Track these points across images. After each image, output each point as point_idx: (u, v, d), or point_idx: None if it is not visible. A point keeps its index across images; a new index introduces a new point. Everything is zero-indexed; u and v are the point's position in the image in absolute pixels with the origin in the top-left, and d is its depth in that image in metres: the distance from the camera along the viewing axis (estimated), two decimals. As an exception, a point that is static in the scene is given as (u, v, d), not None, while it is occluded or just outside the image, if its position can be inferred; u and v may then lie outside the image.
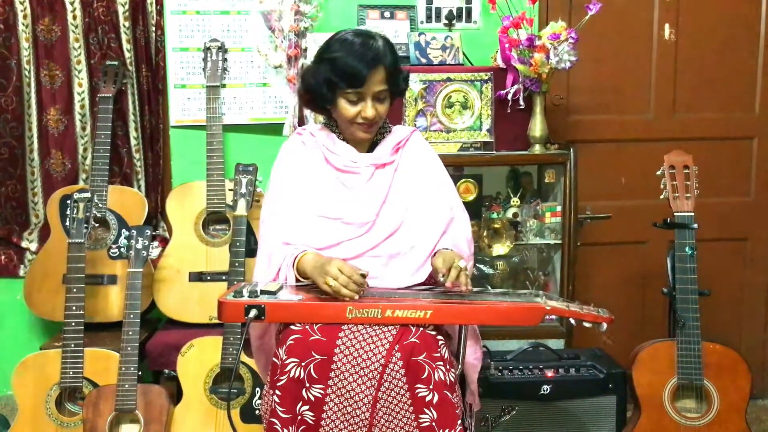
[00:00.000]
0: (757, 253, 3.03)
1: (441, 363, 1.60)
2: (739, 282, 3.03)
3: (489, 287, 2.64)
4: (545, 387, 2.21)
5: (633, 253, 2.97)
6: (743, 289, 3.04)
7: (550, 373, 2.24)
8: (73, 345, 2.31)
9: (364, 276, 1.65)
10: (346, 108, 1.80)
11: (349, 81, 1.76)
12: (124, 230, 2.39)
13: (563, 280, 2.55)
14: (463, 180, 2.52)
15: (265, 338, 1.89)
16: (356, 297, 1.63)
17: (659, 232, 2.29)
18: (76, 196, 2.34)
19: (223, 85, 2.67)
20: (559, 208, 2.57)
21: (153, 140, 2.81)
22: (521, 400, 2.22)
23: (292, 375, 1.59)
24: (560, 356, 2.34)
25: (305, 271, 1.72)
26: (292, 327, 1.64)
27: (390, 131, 1.94)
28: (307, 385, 1.59)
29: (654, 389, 2.18)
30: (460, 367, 1.75)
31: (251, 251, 2.43)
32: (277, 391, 1.61)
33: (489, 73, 2.52)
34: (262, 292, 1.66)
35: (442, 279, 1.65)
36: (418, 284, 1.78)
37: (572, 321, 1.69)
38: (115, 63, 2.68)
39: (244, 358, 2.39)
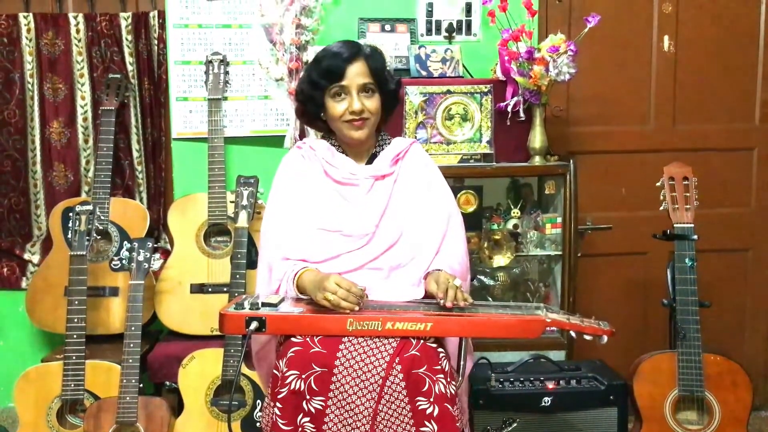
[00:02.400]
0: (758, 264, 3.03)
1: (441, 376, 1.61)
2: (740, 293, 3.03)
3: (490, 299, 2.65)
4: (546, 399, 2.21)
5: (634, 264, 2.97)
6: (745, 300, 3.04)
7: (550, 385, 2.24)
8: (74, 357, 2.31)
9: (362, 290, 1.66)
10: (334, 106, 1.82)
11: (330, 76, 1.80)
12: (125, 242, 2.40)
13: (564, 291, 2.55)
14: (463, 191, 2.52)
15: (267, 350, 1.89)
16: (356, 309, 1.64)
17: (660, 243, 2.30)
18: (78, 208, 2.35)
19: (225, 98, 2.69)
20: (559, 220, 2.57)
21: (155, 153, 2.82)
22: (522, 412, 2.21)
23: (292, 387, 1.60)
24: (561, 368, 2.33)
25: (305, 288, 1.72)
26: (293, 339, 1.65)
27: (389, 143, 1.95)
28: (308, 397, 1.59)
29: (655, 401, 2.18)
30: (461, 379, 1.75)
31: (252, 263, 2.44)
32: (277, 404, 1.62)
33: (489, 86, 2.53)
34: (264, 304, 1.67)
35: (441, 302, 1.66)
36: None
37: (573, 333, 1.69)
38: (118, 76, 2.70)
39: (245, 370, 2.40)
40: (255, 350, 1.92)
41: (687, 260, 2.19)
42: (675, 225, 2.22)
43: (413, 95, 2.50)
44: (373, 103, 1.83)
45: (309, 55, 2.64)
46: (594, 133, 2.92)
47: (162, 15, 2.75)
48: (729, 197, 2.99)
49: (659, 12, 2.89)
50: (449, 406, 1.59)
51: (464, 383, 1.86)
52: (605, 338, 1.66)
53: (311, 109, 1.88)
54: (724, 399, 2.17)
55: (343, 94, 1.81)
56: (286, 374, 1.60)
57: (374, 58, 1.84)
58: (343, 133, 1.86)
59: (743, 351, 3.01)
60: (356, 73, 1.80)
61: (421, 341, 1.63)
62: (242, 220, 2.42)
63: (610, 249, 2.92)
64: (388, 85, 1.88)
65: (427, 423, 1.58)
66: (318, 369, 1.59)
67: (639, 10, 2.89)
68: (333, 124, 1.87)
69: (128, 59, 2.76)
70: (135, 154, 2.81)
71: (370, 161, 1.92)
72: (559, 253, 2.57)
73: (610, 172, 2.93)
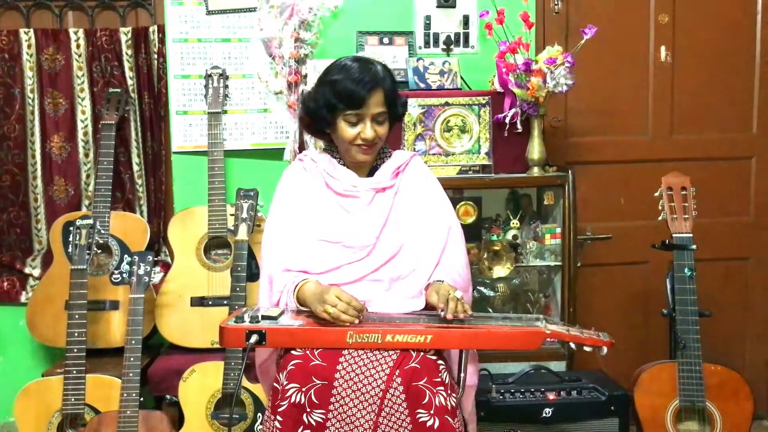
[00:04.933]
0: (758, 273, 3.03)
1: (442, 388, 1.61)
2: (741, 302, 3.03)
3: (490, 309, 2.65)
4: (547, 410, 2.20)
5: (634, 274, 2.97)
6: (745, 308, 3.03)
7: (551, 396, 2.24)
8: (75, 371, 2.31)
9: (362, 303, 1.66)
10: (346, 130, 1.82)
11: (349, 102, 1.79)
12: (126, 256, 2.40)
13: (564, 301, 2.55)
14: (462, 203, 2.53)
15: (270, 363, 1.89)
16: (356, 322, 1.64)
17: (660, 252, 2.30)
18: (78, 222, 2.36)
19: (225, 111, 2.70)
20: (558, 230, 2.58)
21: (155, 166, 2.83)
22: (523, 423, 2.21)
23: (292, 400, 1.60)
24: (562, 379, 2.33)
25: (305, 300, 1.73)
26: (293, 352, 1.65)
27: (390, 156, 1.96)
28: (308, 410, 1.59)
29: (656, 412, 2.18)
30: (461, 391, 1.75)
31: (252, 276, 2.44)
32: (278, 417, 1.61)
33: (487, 97, 2.55)
34: (263, 317, 1.67)
35: (442, 314, 1.66)
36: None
37: (572, 345, 1.69)
38: (118, 90, 2.72)
39: (245, 383, 2.39)
40: (258, 363, 1.92)
41: (686, 270, 2.19)
42: (674, 235, 2.23)
43: (412, 108, 2.51)
44: (383, 129, 1.85)
45: (308, 69, 2.66)
46: (592, 143, 2.93)
47: (161, 30, 2.76)
48: (728, 206, 2.99)
49: (655, 22, 2.91)
50: (450, 419, 1.59)
51: (472, 394, 1.85)
52: (605, 349, 1.66)
53: (320, 125, 1.89)
54: (725, 409, 2.16)
55: (357, 119, 1.82)
56: (287, 387, 1.60)
57: (388, 82, 1.83)
58: (351, 155, 1.87)
59: (744, 360, 3.01)
60: (374, 103, 1.80)
61: (421, 353, 1.63)
62: (242, 233, 2.43)
63: (609, 259, 2.92)
64: (397, 111, 1.89)
65: (427, 435, 1.57)
66: (318, 382, 1.60)
67: (635, 21, 2.91)
68: (340, 143, 1.88)
69: (128, 74, 2.78)
70: (135, 167, 2.82)
71: (371, 173, 1.93)
72: (559, 263, 2.57)
73: (608, 183, 2.94)
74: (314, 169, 1.92)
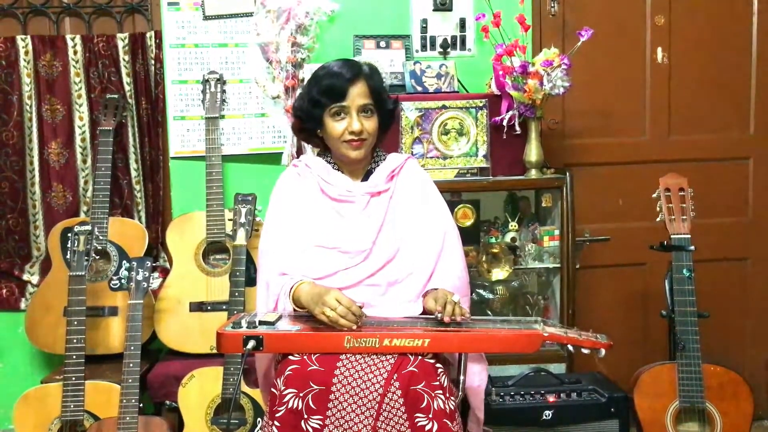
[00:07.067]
0: (757, 273, 3.03)
1: (440, 391, 1.61)
2: (740, 302, 3.02)
3: (489, 312, 2.65)
4: (547, 412, 2.20)
5: (633, 275, 2.96)
6: (744, 309, 3.03)
7: (551, 398, 2.24)
8: (74, 378, 2.31)
9: (360, 308, 1.66)
10: (333, 126, 1.83)
11: (331, 95, 1.81)
12: (124, 262, 2.41)
13: (563, 303, 2.55)
14: (460, 206, 2.53)
15: (270, 370, 1.89)
16: (354, 327, 1.64)
17: (659, 254, 2.30)
18: (76, 228, 2.36)
19: (222, 116, 2.70)
20: (557, 232, 2.58)
21: (153, 172, 2.83)
22: (523, 426, 2.20)
23: (290, 406, 1.60)
24: (562, 381, 2.33)
25: (301, 299, 1.73)
26: (290, 357, 1.65)
27: (384, 159, 1.96)
28: (306, 416, 1.59)
29: (656, 413, 2.17)
30: (460, 394, 1.75)
31: (251, 280, 2.44)
32: (275, 422, 1.61)
33: (484, 100, 2.55)
34: (261, 322, 1.67)
35: (440, 317, 1.67)
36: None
37: (570, 348, 1.69)
38: (116, 96, 2.72)
39: (245, 388, 2.39)
40: (263, 372, 1.91)
41: (684, 271, 2.19)
42: (672, 236, 2.23)
43: (409, 111, 2.51)
44: (371, 123, 1.85)
45: (305, 73, 2.65)
46: (590, 145, 2.93)
47: (158, 35, 2.77)
48: (726, 207, 2.99)
49: (652, 24, 2.91)
50: (448, 422, 1.59)
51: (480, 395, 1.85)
52: (603, 352, 1.66)
53: (309, 126, 1.89)
54: (725, 410, 2.16)
55: (343, 113, 1.83)
56: (284, 393, 1.60)
57: (373, 78, 1.86)
58: (341, 152, 1.87)
59: (743, 361, 3.00)
60: (357, 94, 1.82)
61: (419, 357, 1.63)
62: (240, 238, 2.43)
63: (608, 260, 2.92)
64: (386, 105, 1.90)
65: (426, 439, 1.57)
66: (316, 387, 1.59)
67: (632, 23, 2.91)
68: (331, 142, 1.88)
69: (125, 79, 2.78)
70: (133, 173, 2.82)
71: (365, 178, 1.93)
72: (558, 265, 2.57)
73: (606, 184, 2.94)
74: (309, 174, 1.92)
